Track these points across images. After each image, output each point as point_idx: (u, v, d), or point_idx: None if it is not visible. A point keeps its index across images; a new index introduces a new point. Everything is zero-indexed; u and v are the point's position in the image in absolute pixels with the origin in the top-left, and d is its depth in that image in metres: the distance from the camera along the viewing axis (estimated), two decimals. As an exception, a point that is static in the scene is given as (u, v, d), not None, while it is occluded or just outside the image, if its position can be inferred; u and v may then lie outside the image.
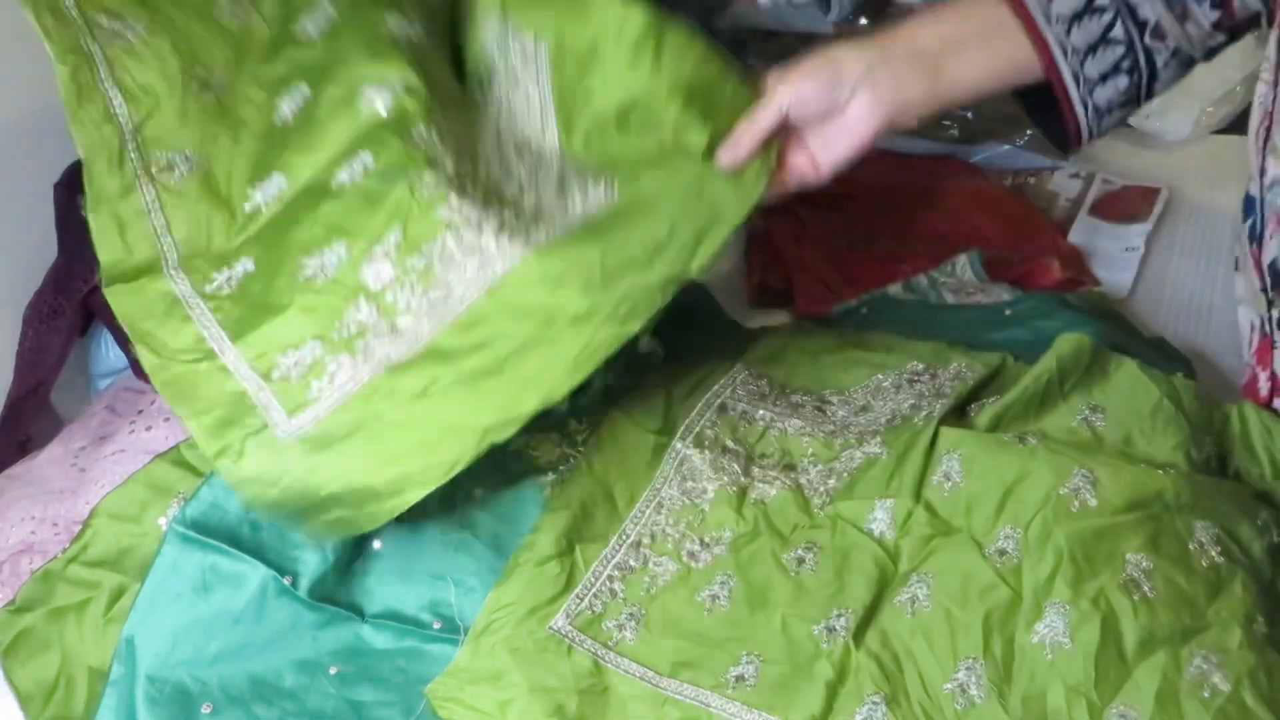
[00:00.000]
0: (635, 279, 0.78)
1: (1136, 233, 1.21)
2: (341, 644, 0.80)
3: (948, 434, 0.85)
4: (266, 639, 0.79)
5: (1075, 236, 1.22)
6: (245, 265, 0.84)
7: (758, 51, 1.42)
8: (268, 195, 0.85)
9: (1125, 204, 1.26)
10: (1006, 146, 1.32)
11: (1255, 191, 0.83)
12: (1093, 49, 0.83)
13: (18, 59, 1.03)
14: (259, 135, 0.87)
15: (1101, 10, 0.82)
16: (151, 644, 0.79)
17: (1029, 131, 1.31)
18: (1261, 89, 0.82)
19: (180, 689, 0.78)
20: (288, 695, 0.78)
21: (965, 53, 0.83)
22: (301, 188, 0.85)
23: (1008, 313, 1.05)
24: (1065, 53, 0.83)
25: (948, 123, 1.35)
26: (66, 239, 1.08)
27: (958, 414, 0.89)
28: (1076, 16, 0.82)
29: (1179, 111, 1.33)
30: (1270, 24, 0.81)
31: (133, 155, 0.85)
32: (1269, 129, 0.80)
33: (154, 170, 0.86)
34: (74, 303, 1.02)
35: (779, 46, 1.42)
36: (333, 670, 0.79)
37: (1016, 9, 0.82)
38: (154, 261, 0.85)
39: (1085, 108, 0.85)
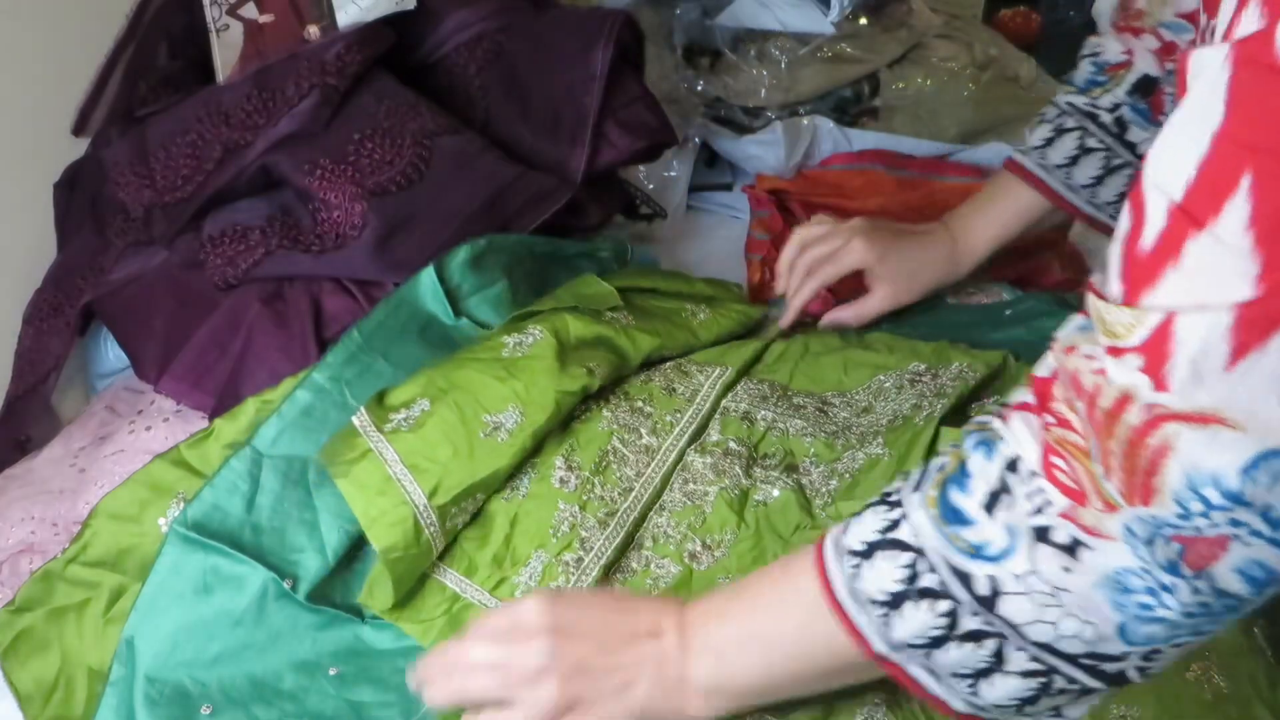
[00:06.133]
0: None
1: (1136, 233, 1.21)
2: (341, 645, 0.80)
3: (949, 434, 0.85)
4: (266, 640, 0.79)
5: (1075, 236, 1.22)
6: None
7: (757, 53, 1.42)
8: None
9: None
10: (1006, 146, 1.32)
11: None
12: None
13: (18, 59, 1.03)
14: None
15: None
16: (151, 645, 0.78)
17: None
18: None
19: (180, 690, 0.78)
20: (287, 696, 0.78)
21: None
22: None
23: (1008, 313, 1.05)
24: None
25: (948, 123, 1.35)
26: (66, 239, 1.08)
27: (959, 414, 0.89)
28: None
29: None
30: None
31: (430, 527, 0.82)
32: None
33: (448, 527, 0.83)
34: (74, 302, 1.02)
35: (777, 46, 1.42)
36: (332, 671, 0.79)
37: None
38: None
39: None
